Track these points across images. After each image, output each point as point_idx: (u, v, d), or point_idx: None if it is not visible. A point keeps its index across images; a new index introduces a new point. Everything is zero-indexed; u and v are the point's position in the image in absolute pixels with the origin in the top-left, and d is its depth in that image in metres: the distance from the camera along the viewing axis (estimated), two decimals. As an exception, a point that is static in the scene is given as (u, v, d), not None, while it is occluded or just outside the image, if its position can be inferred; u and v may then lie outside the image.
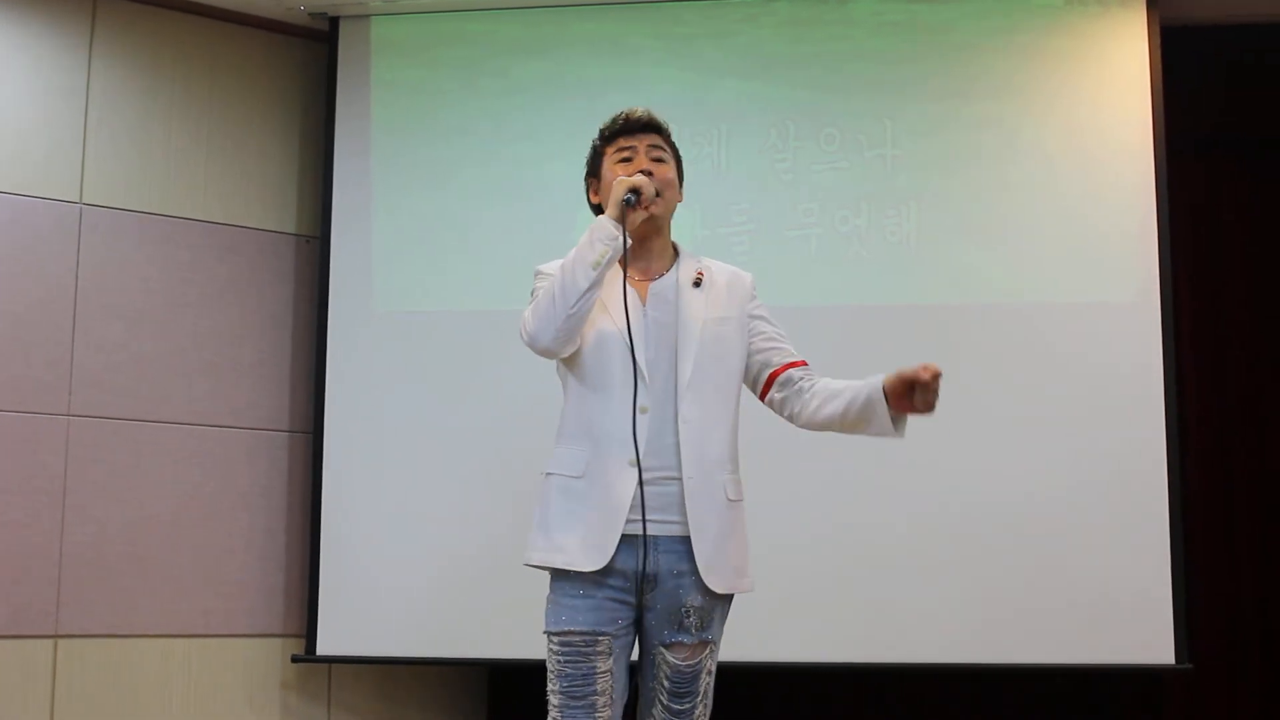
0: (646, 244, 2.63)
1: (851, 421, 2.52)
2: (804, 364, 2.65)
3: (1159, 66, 4.34)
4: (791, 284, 4.31)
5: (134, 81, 4.54)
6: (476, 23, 4.64)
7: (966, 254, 4.35)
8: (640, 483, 2.48)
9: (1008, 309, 4.32)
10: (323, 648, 4.43)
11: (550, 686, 2.52)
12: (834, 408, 2.53)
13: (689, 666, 2.54)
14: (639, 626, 2.56)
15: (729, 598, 2.59)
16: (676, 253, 2.69)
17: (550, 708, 2.52)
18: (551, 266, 2.57)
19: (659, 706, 2.56)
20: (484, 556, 4.28)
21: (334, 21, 4.68)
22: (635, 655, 2.60)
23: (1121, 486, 4.18)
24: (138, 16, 4.55)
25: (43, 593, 4.23)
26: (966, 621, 4.18)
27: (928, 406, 2.42)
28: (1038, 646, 4.15)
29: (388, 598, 4.41)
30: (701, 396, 2.55)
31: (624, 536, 2.49)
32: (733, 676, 3.01)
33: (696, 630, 2.53)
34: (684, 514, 2.51)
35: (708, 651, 2.56)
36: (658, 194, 2.58)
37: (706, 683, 2.58)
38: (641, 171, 2.58)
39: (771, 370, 2.64)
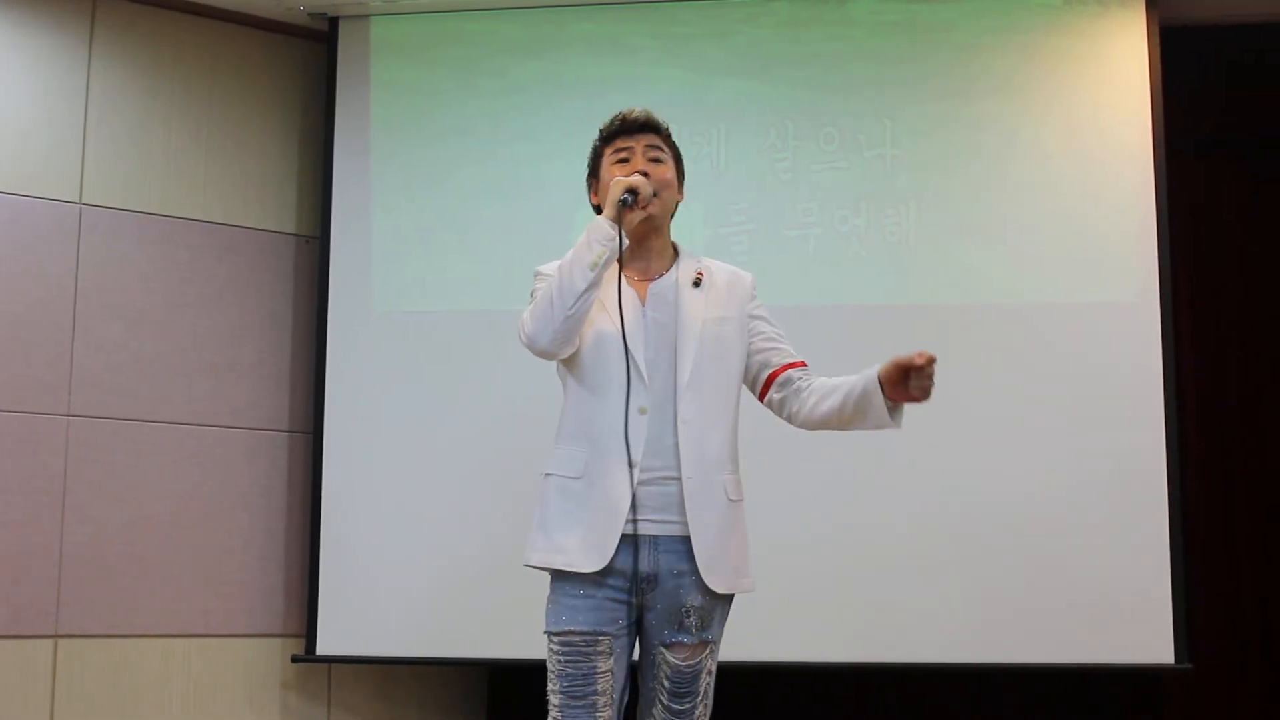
0: (645, 244, 2.63)
1: (849, 416, 2.51)
2: (803, 364, 2.64)
3: (1159, 66, 4.34)
4: (791, 284, 4.31)
5: (134, 81, 4.54)
6: (475, 23, 4.64)
7: (966, 254, 4.35)
8: (631, 482, 2.48)
9: (1007, 309, 4.32)
10: (322, 648, 4.43)
11: (550, 686, 2.52)
12: (831, 403, 2.53)
13: (689, 666, 2.54)
14: (639, 626, 2.56)
15: (729, 598, 2.59)
16: (676, 253, 2.69)
17: (550, 707, 2.52)
18: (550, 267, 2.57)
19: (659, 706, 2.56)
20: (484, 556, 4.28)
21: (333, 21, 4.68)
22: (635, 655, 2.61)
23: (1121, 486, 4.18)
24: (137, 16, 4.56)
25: (42, 593, 4.23)
26: (966, 621, 4.18)
27: (923, 393, 2.42)
28: (1038, 646, 4.15)
29: (387, 598, 4.41)
30: (701, 397, 2.55)
31: (624, 536, 2.49)
32: (733, 676, 3.00)
33: (697, 630, 2.53)
34: (684, 514, 2.51)
35: (708, 651, 2.56)
36: (655, 194, 2.58)
37: (707, 683, 2.58)
38: (639, 172, 2.57)
39: (770, 371, 2.64)
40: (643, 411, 2.52)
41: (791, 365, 2.63)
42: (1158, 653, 4.11)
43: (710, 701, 2.59)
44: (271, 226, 4.71)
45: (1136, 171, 4.31)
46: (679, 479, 2.51)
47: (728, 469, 2.58)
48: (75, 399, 4.34)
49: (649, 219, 2.58)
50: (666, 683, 2.54)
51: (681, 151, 2.71)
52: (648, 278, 2.63)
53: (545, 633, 2.54)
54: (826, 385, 2.56)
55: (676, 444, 2.52)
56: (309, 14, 4.67)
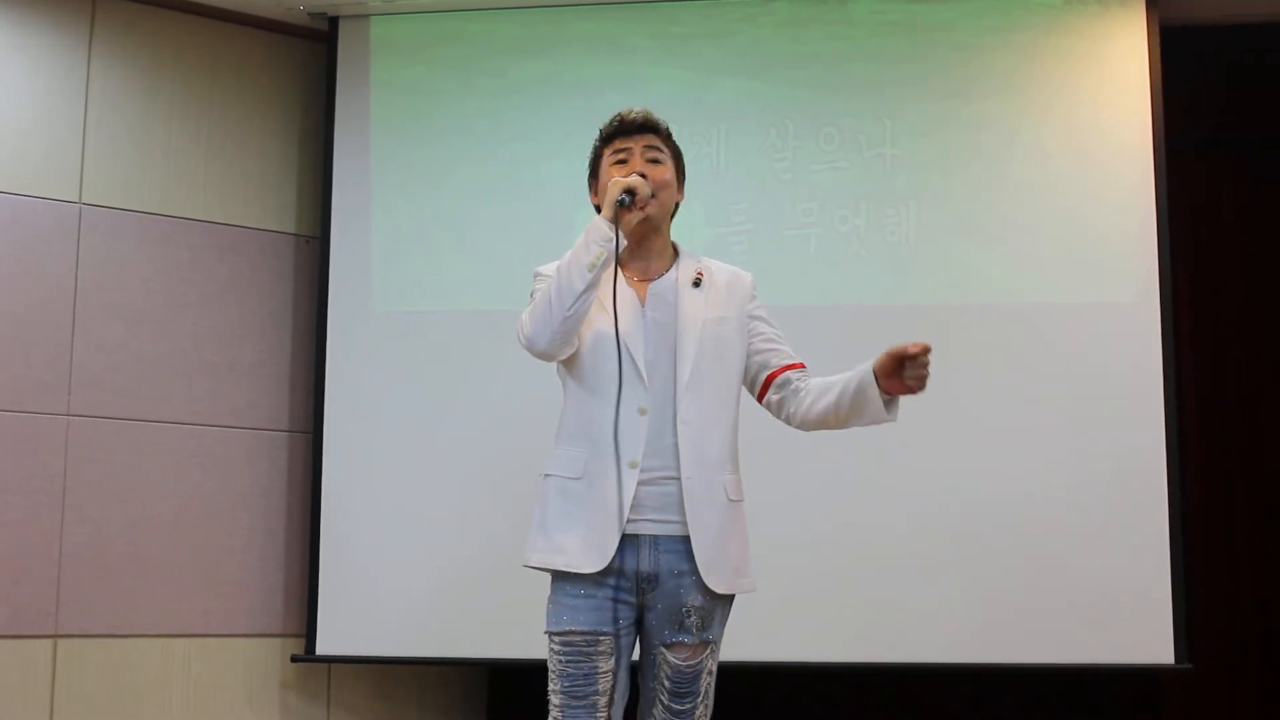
0: (645, 244, 2.63)
1: (846, 412, 2.51)
2: (802, 366, 2.64)
3: (1159, 66, 4.34)
4: (791, 284, 4.31)
5: (134, 81, 4.54)
6: (475, 23, 4.64)
7: (966, 254, 4.35)
8: (619, 482, 2.47)
9: (1007, 309, 4.32)
10: (322, 647, 4.43)
11: (551, 686, 2.52)
12: (828, 400, 2.53)
13: (690, 666, 2.54)
14: (640, 626, 2.56)
15: (730, 598, 2.59)
16: (676, 253, 2.69)
17: (551, 707, 2.52)
18: (550, 268, 2.57)
19: (659, 706, 2.56)
20: (484, 556, 4.28)
21: (333, 21, 4.68)
22: (636, 655, 2.61)
23: (1121, 486, 4.18)
24: (137, 16, 4.56)
25: (42, 593, 4.23)
26: (966, 621, 4.18)
27: (919, 382, 2.41)
28: (1038, 646, 4.15)
29: (387, 598, 4.41)
30: (700, 397, 2.55)
31: (624, 536, 2.49)
32: (733, 676, 3.00)
33: (697, 630, 2.53)
34: (684, 514, 2.51)
35: (708, 651, 2.56)
36: (653, 195, 2.57)
37: (707, 683, 2.57)
38: (637, 173, 2.57)
39: (769, 372, 2.64)
40: (643, 412, 2.52)
41: (790, 367, 2.63)
42: (1157, 653, 4.11)
43: (711, 702, 2.59)
44: (271, 226, 4.71)
45: (1136, 171, 4.30)
46: (679, 479, 2.51)
47: (728, 469, 2.58)
48: (75, 399, 4.34)
49: (647, 219, 2.58)
50: (667, 683, 2.54)
51: (682, 151, 2.71)
52: (647, 278, 2.63)
53: (546, 633, 2.54)
54: (823, 384, 2.57)
55: (676, 444, 2.52)
56: (309, 14, 4.68)
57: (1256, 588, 4.69)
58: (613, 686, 2.50)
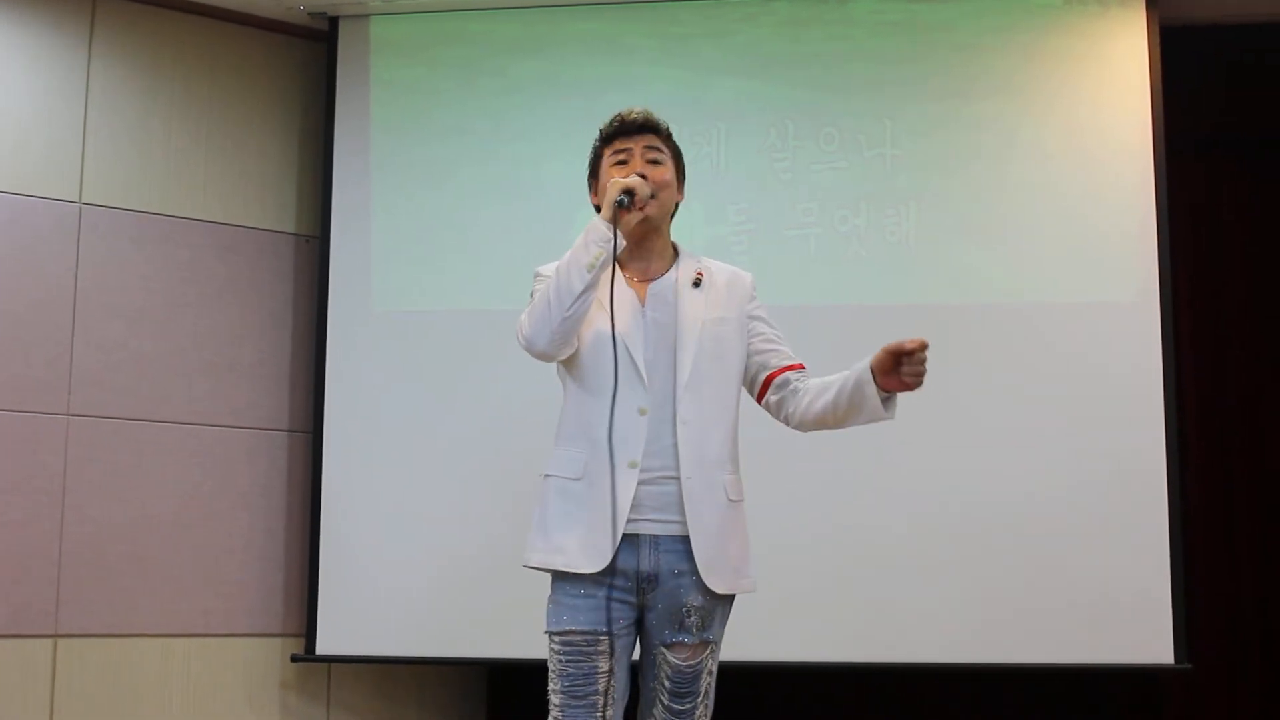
0: (645, 244, 2.63)
1: (844, 411, 2.51)
2: (801, 367, 2.64)
3: (1159, 66, 4.34)
4: (791, 283, 4.31)
5: (133, 81, 4.54)
6: (475, 22, 4.64)
7: (966, 254, 4.35)
8: (612, 483, 2.47)
9: (1007, 309, 4.32)
10: (322, 647, 4.43)
11: (551, 686, 2.52)
12: (825, 399, 2.53)
13: (690, 667, 2.54)
14: (640, 626, 2.56)
15: (730, 598, 2.59)
16: (676, 253, 2.69)
17: (551, 707, 2.52)
18: (550, 268, 2.57)
19: (660, 706, 2.56)
20: (483, 556, 4.28)
21: (333, 21, 4.68)
22: (636, 655, 2.61)
23: (1121, 486, 4.18)
24: (137, 16, 4.55)
25: (42, 592, 4.23)
26: (966, 621, 4.18)
27: (915, 378, 2.41)
28: (1038, 646, 4.15)
29: (387, 597, 4.41)
30: (700, 397, 2.55)
31: (624, 536, 2.49)
32: (733, 676, 3.00)
33: (697, 630, 2.53)
34: (684, 514, 2.51)
35: (709, 651, 2.56)
36: (653, 195, 2.57)
37: (707, 683, 2.57)
38: (637, 174, 2.57)
39: (769, 373, 2.64)
40: (642, 412, 2.52)
41: (789, 368, 2.63)
42: (1157, 653, 4.11)
43: (711, 702, 2.59)
44: (271, 226, 4.71)
45: (1136, 171, 4.30)
46: (678, 479, 2.51)
47: (728, 469, 2.58)
48: (75, 399, 4.34)
49: (646, 220, 2.57)
50: (667, 683, 2.54)
51: (682, 151, 2.71)
52: (647, 278, 2.63)
53: (546, 632, 2.54)
54: (821, 383, 2.57)
55: (676, 444, 2.52)
56: (309, 14, 4.67)
57: (1256, 588, 4.69)
58: (613, 686, 2.50)
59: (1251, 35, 4.58)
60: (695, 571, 2.51)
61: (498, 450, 4.36)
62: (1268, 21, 4.54)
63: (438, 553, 4.40)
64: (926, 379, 2.43)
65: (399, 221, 4.58)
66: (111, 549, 4.34)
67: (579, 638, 2.49)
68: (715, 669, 2.60)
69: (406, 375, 4.50)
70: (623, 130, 2.63)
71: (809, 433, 2.64)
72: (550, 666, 2.53)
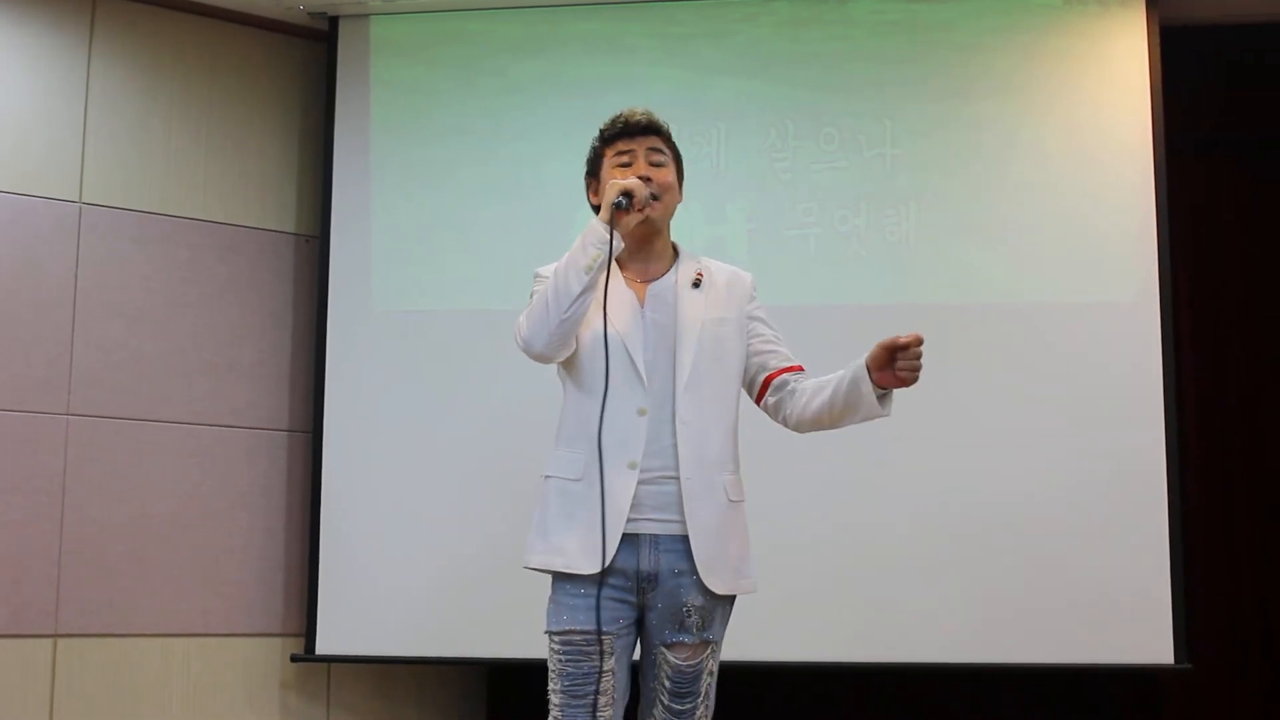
0: (646, 246, 2.64)
1: (840, 410, 2.51)
2: (800, 369, 2.64)
3: (1159, 66, 4.34)
4: (790, 283, 4.31)
5: (133, 81, 4.54)
6: (475, 22, 4.64)
7: (966, 254, 4.35)
8: (601, 483, 2.47)
9: (1007, 309, 4.32)
10: (322, 647, 4.43)
11: (551, 686, 2.53)
12: (822, 399, 2.54)
13: (690, 667, 2.54)
14: (640, 626, 2.56)
15: (731, 598, 2.59)
16: (676, 253, 2.69)
17: (551, 707, 2.52)
18: (549, 269, 2.57)
19: (660, 707, 2.56)
20: (483, 556, 4.28)
21: (333, 21, 4.68)
22: (637, 655, 2.61)
23: (1121, 486, 4.18)
24: (137, 16, 4.55)
25: (42, 592, 4.23)
26: (966, 621, 4.18)
27: (911, 373, 2.41)
28: (1038, 646, 4.15)
29: (387, 597, 4.41)
30: (699, 397, 2.55)
31: (624, 536, 2.49)
32: (733, 676, 3.00)
33: (698, 630, 2.53)
34: (684, 514, 2.51)
35: (709, 652, 2.56)
36: (655, 197, 2.57)
37: (708, 683, 2.57)
38: (641, 177, 2.57)
39: (767, 374, 2.64)
40: (641, 413, 2.52)
41: (788, 369, 2.63)
42: (1157, 653, 4.10)
43: (712, 702, 2.59)
44: (271, 226, 4.71)
45: (1136, 171, 4.30)
46: (678, 478, 2.51)
47: (728, 469, 2.58)
48: (75, 398, 4.34)
49: (647, 221, 2.57)
50: (667, 683, 2.54)
51: (682, 151, 2.72)
52: (647, 279, 2.63)
53: (546, 632, 2.54)
54: (817, 384, 2.57)
55: (675, 444, 2.52)
56: (309, 13, 4.67)
57: (1256, 588, 4.69)
58: (613, 686, 2.50)
59: (1251, 35, 4.57)
60: (695, 571, 2.51)
61: (498, 450, 4.36)
62: (1268, 21, 4.54)
63: (438, 553, 4.40)
64: (926, 378, 2.43)
65: (399, 221, 4.58)
66: (111, 549, 4.34)
67: (579, 637, 2.49)
68: (716, 669, 2.60)
69: (406, 375, 4.50)
70: (627, 131, 2.63)
71: (808, 433, 2.64)
72: (550, 666, 2.53)
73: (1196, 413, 4.67)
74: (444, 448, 4.45)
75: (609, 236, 2.48)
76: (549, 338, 2.50)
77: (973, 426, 4.24)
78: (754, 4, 4.52)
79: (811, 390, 2.57)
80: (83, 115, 4.44)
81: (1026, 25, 4.43)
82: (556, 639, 2.52)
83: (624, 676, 2.54)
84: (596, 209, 2.65)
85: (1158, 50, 4.34)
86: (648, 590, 2.52)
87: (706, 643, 2.55)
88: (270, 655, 4.54)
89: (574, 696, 2.48)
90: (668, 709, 2.55)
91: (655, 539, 2.51)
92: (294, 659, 4.51)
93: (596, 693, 2.49)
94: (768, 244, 4.40)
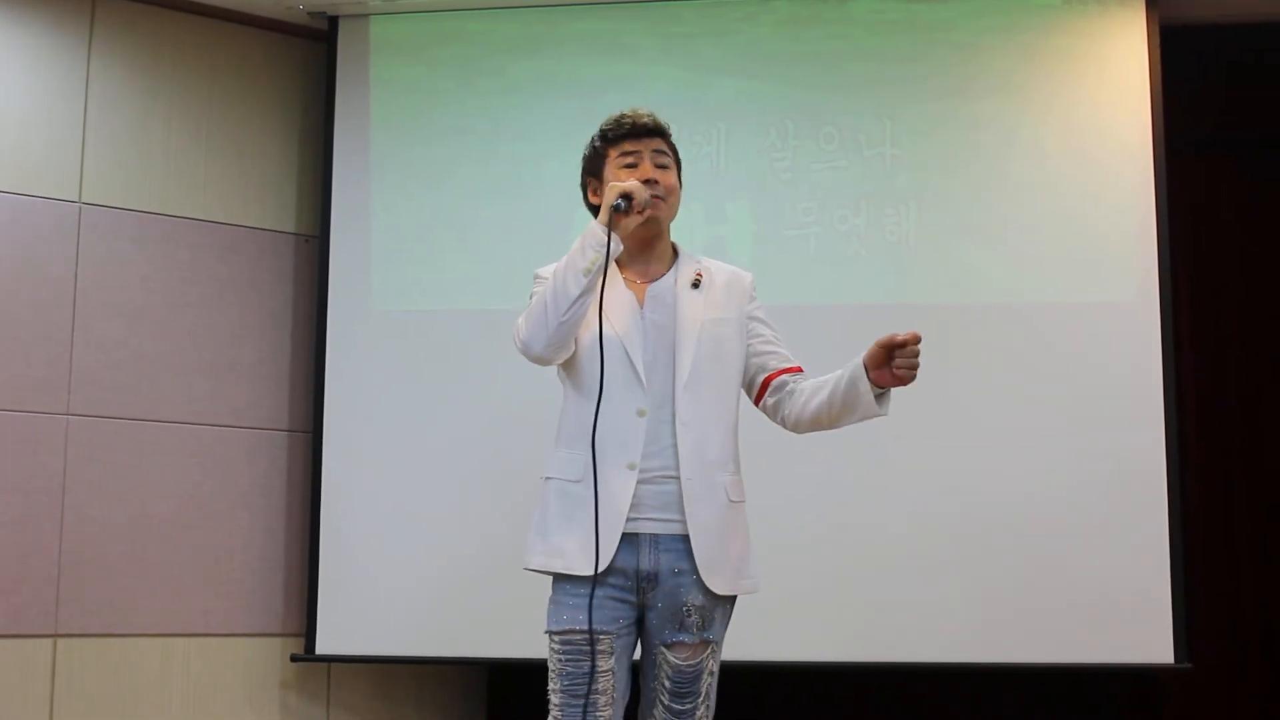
0: (647, 248, 2.64)
1: (838, 410, 2.51)
2: (799, 370, 2.64)
3: (1158, 66, 4.33)
4: (791, 283, 4.31)
5: (133, 81, 4.54)
6: (475, 22, 4.64)
7: (966, 254, 4.35)
8: (594, 483, 2.47)
9: (1007, 309, 4.32)
10: (322, 647, 4.43)
11: (551, 685, 2.53)
12: (820, 398, 2.54)
13: (690, 667, 2.54)
14: (641, 626, 2.56)
15: (731, 599, 2.59)
16: (676, 254, 2.69)
17: (551, 707, 2.52)
18: (549, 270, 2.57)
19: (660, 707, 2.56)
20: (483, 556, 4.28)
21: (333, 21, 4.68)
22: (638, 655, 2.61)
23: (1121, 486, 4.18)
24: (137, 16, 4.55)
25: (42, 592, 4.23)
26: (966, 621, 4.18)
27: (909, 371, 2.41)
28: (1038, 646, 4.15)
29: (387, 597, 4.41)
30: (699, 398, 2.55)
31: (624, 535, 2.49)
32: (733, 676, 3.00)
33: (698, 630, 2.53)
34: (684, 513, 2.51)
35: (709, 652, 2.56)
36: (658, 198, 2.57)
37: (708, 683, 2.57)
38: (647, 181, 2.56)
39: (766, 375, 2.64)
40: (640, 414, 2.52)
41: (787, 370, 2.63)
42: (1157, 653, 4.10)
43: (713, 703, 2.59)
44: (271, 226, 4.71)
45: (1136, 171, 4.30)
46: (679, 478, 2.51)
47: (729, 470, 2.58)
48: (75, 398, 4.34)
49: (651, 223, 2.57)
50: (667, 683, 2.54)
51: (681, 151, 2.71)
52: (647, 280, 2.63)
53: (546, 632, 2.54)
54: (815, 384, 2.57)
55: (675, 445, 2.52)
56: (309, 13, 4.67)
57: (1256, 588, 4.69)
58: (613, 686, 2.50)
59: (1251, 35, 4.57)
60: (695, 570, 2.51)
61: (497, 450, 4.36)
62: (1268, 21, 4.54)
63: (438, 553, 4.40)
64: (926, 378, 2.43)
65: (399, 221, 4.58)
66: (111, 549, 4.34)
67: (579, 637, 2.48)
68: (716, 670, 2.59)
69: (406, 375, 4.50)
70: (634, 133, 2.62)
71: (807, 433, 2.64)
72: (550, 666, 2.53)
73: (1196, 413, 4.67)
74: (444, 448, 4.45)
75: (607, 239, 2.48)
76: (547, 340, 2.49)
77: (973, 426, 4.24)
78: (753, 3, 4.52)
79: (810, 391, 2.57)
80: (82, 115, 4.44)
81: (1026, 25, 4.42)
82: (556, 639, 2.52)
83: (624, 676, 2.54)
84: (595, 209, 2.65)
85: (1157, 50, 4.34)
86: (648, 590, 2.52)
87: (706, 643, 2.55)
88: (270, 655, 4.54)
89: (574, 696, 2.48)
90: (668, 709, 2.55)
91: (655, 538, 2.51)
92: (294, 659, 4.51)
93: (596, 692, 2.48)
94: (768, 244, 4.40)
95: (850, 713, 4.59)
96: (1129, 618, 4.12)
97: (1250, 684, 4.67)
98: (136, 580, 4.37)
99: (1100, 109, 4.36)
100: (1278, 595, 4.68)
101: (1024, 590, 4.17)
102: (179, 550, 4.44)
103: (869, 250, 4.38)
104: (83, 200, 4.41)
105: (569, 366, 2.59)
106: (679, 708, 2.55)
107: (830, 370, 2.56)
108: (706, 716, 2.58)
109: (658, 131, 2.64)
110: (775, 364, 2.64)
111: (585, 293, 2.47)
